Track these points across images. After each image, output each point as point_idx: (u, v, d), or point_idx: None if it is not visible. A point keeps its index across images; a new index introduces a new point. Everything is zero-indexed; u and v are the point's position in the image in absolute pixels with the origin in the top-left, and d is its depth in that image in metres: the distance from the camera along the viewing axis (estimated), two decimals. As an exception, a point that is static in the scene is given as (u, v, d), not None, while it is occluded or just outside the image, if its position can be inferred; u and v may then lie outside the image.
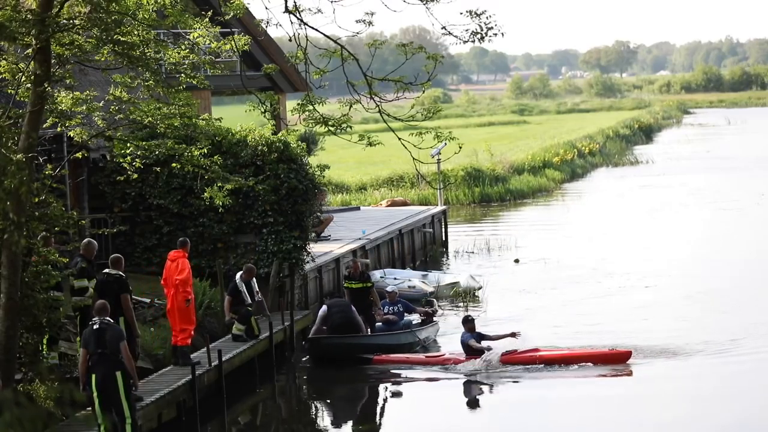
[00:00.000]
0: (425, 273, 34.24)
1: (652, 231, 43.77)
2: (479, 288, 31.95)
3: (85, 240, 20.16)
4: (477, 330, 24.24)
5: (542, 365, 23.37)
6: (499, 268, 36.75)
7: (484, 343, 23.80)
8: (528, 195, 57.53)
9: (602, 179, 66.14)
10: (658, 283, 32.78)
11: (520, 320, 28.73)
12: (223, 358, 21.60)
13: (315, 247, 29.39)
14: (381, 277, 32.92)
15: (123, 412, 16.65)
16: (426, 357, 24.41)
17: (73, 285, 19.30)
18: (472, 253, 40.05)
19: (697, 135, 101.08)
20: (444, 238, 41.85)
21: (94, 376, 16.54)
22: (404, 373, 23.67)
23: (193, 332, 21.32)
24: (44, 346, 18.58)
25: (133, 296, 20.24)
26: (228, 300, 23.98)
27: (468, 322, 24.21)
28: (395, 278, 32.76)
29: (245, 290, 23.95)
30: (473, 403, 22.46)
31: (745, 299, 30.20)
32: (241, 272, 24.40)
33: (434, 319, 27.27)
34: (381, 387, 23.31)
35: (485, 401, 22.45)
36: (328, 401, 22.96)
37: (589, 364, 23.37)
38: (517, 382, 22.78)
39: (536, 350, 23.80)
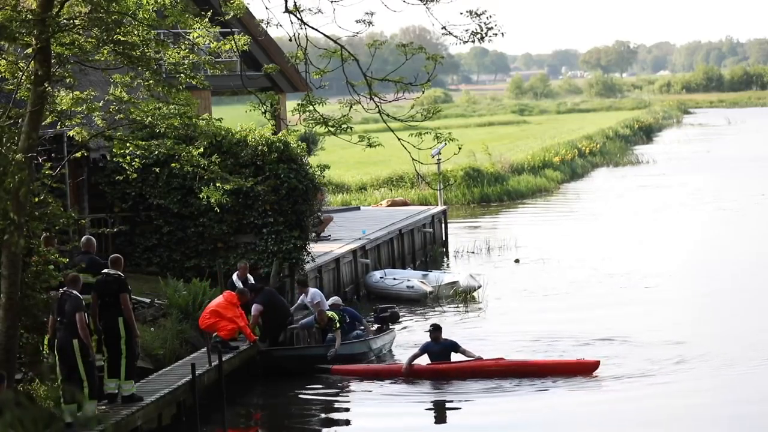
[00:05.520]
0: (425, 273, 34.23)
1: (653, 231, 43.76)
2: (478, 288, 31.93)
3: (85, 237, 20.45)
4: (447, 339, 23.47)
5: (507, 375, 22.61)
6: (499, 268, 36.76)
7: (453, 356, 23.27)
8: (528, 195, 57.51)
9: (603, 179, 66.12)
10: (658, 284, 32.78)
11: (518, 321, 28.78)
12: (223, 358, 21.62)
13: (315, 247, 29.39)
14: (381, 277, 32.94)
15: (80, 377, 17.40)
16: (387, 366, 23.93)
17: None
18: (473, 253, 40.06)
19: (698, 135, 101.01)
20: (444, 238, 41.84)
21: (56, 341, 17.54)
22: (367, 382, 23.20)
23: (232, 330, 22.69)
24: (45, 346, 18.60)
25: (133, 296, 20.26)
26: None
27: (435, 330, 23.43)
28: (395, 278, 32.77)
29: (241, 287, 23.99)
30: (434, 414, 22.02)
31: (741, 303, 30.05)
32: (237, 272, 24.73)
33: (391, 327, 26.36)
34: (348, 394, 22.95)
35: (446, 412, 22.08)
36: (322, 401, 22.96)
37: (555, 374, 22.65)
38: (479, 392, 22.20)
39: (501, 359, 23.18)
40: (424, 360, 23.36)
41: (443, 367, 23.06)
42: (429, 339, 23.45)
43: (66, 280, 17.82)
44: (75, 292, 17.59)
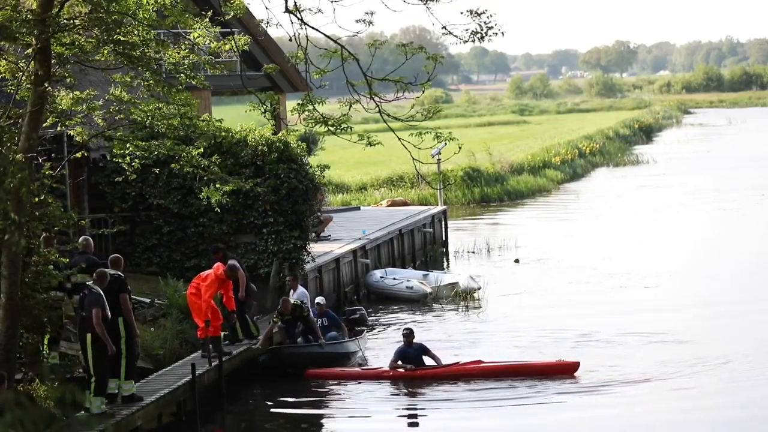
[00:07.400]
0: (426, 273, 34.22)
1: (653, 231, 43.77)
2: (478, 289, 31.91)
3: (83, 237, 20.53)
4: (417, 342, 23.47)
5: (486, 378, 22.46)
6: (499, 268, 36.76)
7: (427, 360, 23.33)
8: (528, 195, 57.55)
9: (603, 179, 66.14)
10: (658, 284, 32.77)
11: (518, 321, 28.78)
12: (223, 359, 21.62)
13: (315, 247, 29.39)
14: (381, 277, 32.94)
15: (89, 371, 17.81)
16: (362, 370, 23.88)
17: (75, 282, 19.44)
18: (473, 253, 40.07)
19: (698, 135, 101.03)
20: (444, 238, 41.86)
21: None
22: (343, 385, 23.12)
23: (204, 328, 22.12)
24: (45, 346, 18.62)
25: (133, 296, 20.27)
26: None
27: (409, 334, 23.42)
28: (395, 278, 32.78)
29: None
30: (411, 418, 21.95)
31: (741, 303, 29.97)
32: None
33: (358, 333, 26.10)
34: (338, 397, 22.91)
35: (423, 415, 21.97)
36: (322, 402, 22.96)
37: (535, 375, 22.39)
38: (458, 395, 22.05)
39: (479, 362, 23.07)
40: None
41: (423, 372, 23.08)
42: (403, 343, 23.49)
43: (95, 276, 18.22)
44: (97, 288, 17.89)
